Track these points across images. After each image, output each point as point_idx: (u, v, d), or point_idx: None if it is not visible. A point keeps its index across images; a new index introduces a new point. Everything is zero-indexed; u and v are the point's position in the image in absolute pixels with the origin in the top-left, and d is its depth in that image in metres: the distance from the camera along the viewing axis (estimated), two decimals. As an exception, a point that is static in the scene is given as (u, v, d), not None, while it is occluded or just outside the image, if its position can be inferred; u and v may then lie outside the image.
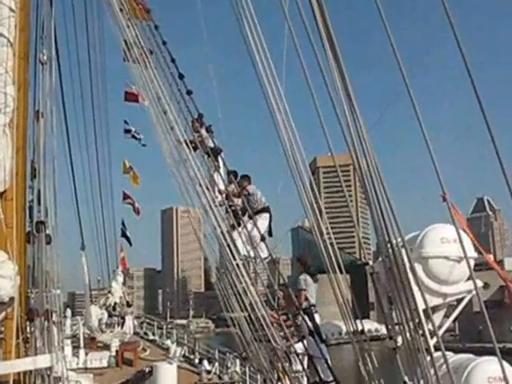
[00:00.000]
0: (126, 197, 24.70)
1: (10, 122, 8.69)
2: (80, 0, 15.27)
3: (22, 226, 9.17)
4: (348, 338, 6.98)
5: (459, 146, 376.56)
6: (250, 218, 9.66)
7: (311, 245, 7.13)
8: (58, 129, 9.99)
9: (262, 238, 9.16)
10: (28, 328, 9.33)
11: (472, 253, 17.93)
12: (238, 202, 10.47)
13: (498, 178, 4.93)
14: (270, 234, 11.69)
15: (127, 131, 21.60)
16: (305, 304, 10.92)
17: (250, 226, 9.87)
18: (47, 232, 9.15)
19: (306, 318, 10.11)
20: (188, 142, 9.43)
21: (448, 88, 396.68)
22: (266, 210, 11.63)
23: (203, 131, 10.07)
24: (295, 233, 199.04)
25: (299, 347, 8.69)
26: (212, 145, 10.13)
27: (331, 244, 6.75)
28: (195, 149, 9.66)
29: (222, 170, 10.13)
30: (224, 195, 10.08)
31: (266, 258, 9.38)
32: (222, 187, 10.12)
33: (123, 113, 21.36)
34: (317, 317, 11.11)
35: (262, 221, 11.21)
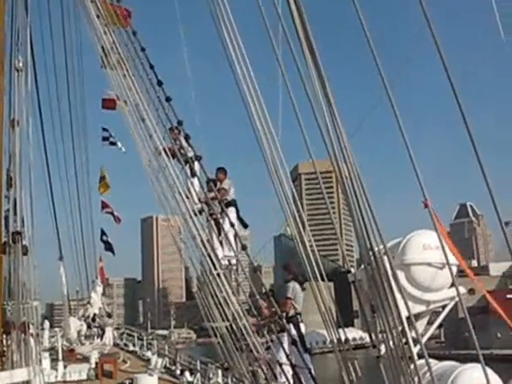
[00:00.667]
0: (104, 205, 24.39)
1: (-15, 131, 8.54)
2: (56, 6, 15.08)
3: (-3, 237, 9.01)
4: (332, 346, 6.91)
5: (441, 152, 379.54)
6: (232, 225, 9.59)
7: (294, 252, 7.06)
8: (34, 137, 9.86)
9: (244, 247, 9.08)
10: (4, 341, 9.15)
11: (455, 259, 17.92)
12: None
13: (481, 184, 4.94)
14: (244, 225, 11.62)
15: (105, 139, 21.32)
16: (291, 312, 10.83)
17: (230, 234, 9.83)
18: (24, 242, 9.00)
19: (292, 326, 10.03)
20: (167, 149, 9.32)
21: (429, 95, 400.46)
22: (230, 204, 11.51)
23: (182, 139, 9.96)
24: (278, 240, 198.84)
25: (282, 357, 8.60)
26: (191, 153, 10.02)
27: (313, 252, 6.69)
28: (173, 156, 9.55)
29: (199, 177, 10.04)
30: (204, 203, 9.98)
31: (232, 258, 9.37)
32: (199, 193, 10.02)
33: (102, 119, 21.13)
34: (302, 326, 11.02)
35: (230, 215, 11.20)
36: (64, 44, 16.93)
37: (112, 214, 24.54)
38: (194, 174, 9.81)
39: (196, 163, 9.92)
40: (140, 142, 9.28)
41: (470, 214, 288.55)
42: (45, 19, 15.03)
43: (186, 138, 9.78)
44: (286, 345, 9.01)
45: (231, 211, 11.40)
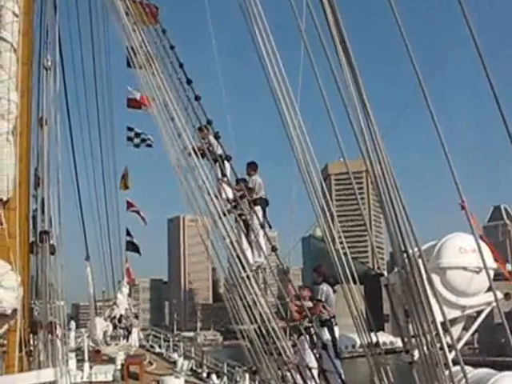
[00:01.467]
0: (130, 205, 24.46)
1: (14, 129, 8.53)
2: (85, 4, 15.15)
3: (25, 236, 9.01)
4: (362, 350, 6.73)
5: (476, 152, 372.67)
6: (262, 226, 9.45)
7: (324, 254, 6.90)
8: (62, 136, 9.84)
9: (274, 249, 8.94)
10: (31, 341, 9.15)
11: (492, 263, 17.46)
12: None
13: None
14: (268, 226, 11.37)
15: (130, 139, 21.28)
16: (325, 316, 10.67)
17: (260, 235, 9.70)
18: (51, 242, 8.99)
19: (326, 330, 9.87)
20: (196, 148, 9.21)
21: (464, 92, 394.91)
22: (256, 203, 11.27)
23: (211, 138, 9.85)
24: (306, 242, 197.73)
25: (312, 361, 8.44)
26: (220, 151, 9.91)
27: (344, 254, 6.53)
28: (203, 156, 9.44)
29: (229, 177, 9.92)
30: (233, 204, 9.86)
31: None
32: (229, 195, 9.89)
33: (130, 117, 21.08)
34: (336, 329, 10.83)
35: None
36: (92, 42, 16.99)
37: (138, 213, 24.62)
38: (224, 174, 9.70)
39: (226, 163, 9.82)
40: (169, 140, 9.17)
41: (504, 217, 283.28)
42: (73, 18, 15.08)
43: (216, 136, 9.65)
44: (306, 347, 8.87)
45: (258, 210, 11.23)
